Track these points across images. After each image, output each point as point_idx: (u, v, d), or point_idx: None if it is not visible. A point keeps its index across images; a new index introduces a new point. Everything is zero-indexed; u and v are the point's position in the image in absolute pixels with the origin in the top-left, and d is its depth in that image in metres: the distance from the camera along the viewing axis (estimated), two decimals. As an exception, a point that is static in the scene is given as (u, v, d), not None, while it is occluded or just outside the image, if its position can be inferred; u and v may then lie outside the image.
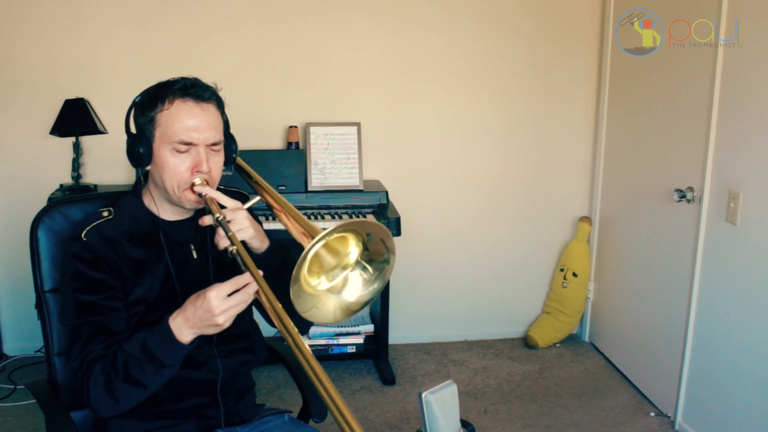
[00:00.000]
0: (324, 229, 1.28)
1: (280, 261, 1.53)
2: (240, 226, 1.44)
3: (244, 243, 1.45)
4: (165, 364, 1.37)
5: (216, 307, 1.31)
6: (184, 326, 1.35)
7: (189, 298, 1.36)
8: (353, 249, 1.39)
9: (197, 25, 3.10)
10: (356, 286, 1.41)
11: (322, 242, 1.30)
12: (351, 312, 1.41)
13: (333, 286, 1.39)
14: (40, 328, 1.68)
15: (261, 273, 1.32)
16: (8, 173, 3.11)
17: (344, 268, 1.40)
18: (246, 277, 1.32)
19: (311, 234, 1.33)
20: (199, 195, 1.47)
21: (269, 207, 1.53)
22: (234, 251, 1.36)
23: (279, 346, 1.84)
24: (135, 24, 3.06)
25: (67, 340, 1.48)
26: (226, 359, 1.62)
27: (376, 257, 1.39)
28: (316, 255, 1.35)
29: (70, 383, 1.68)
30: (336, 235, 1.33)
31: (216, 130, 1.49)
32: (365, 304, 1.41)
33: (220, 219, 1.41)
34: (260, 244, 1.49)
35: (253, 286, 1.32)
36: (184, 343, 1.36)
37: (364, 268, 1.40)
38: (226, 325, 1.34)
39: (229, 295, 1.32)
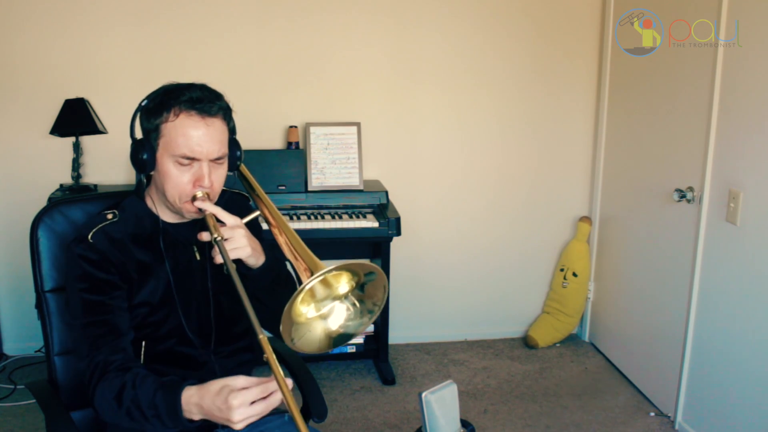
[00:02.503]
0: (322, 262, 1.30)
1: (275, 276, 1.53)
2: (236, 245, 1.44)
3: (240, 260, 1.46)
4: (167, 425, 1.34)
5: (236, 414, 1.24)
6: (196, 410, 1.30)
7: (212, 385, 1.29)
8: (344, 284, 1.41)
9: (197, 25, 3.10)
10: (340, 317, 1.42)
11: (320, 278, 1.31)
12: (332, 341, 1.42)
13: (321, 314, 1.41)
14: (40, 328, 1.68)
15: (290, 384, 1.25)
16: (8, 173, 3.11)
17: (334, 298, 1.42)
18: (273, 385, 1.26)
19: (308, 264, 1.33)
20: (200, 209, 1.47)
21: (267, 222, 1.53)
22: (227, 269, 1.37)
23: (279, 346, 1.83)
24: (135, 24, 3.06)
25: (75, 339, 1.47)
26: (226, 359, 1.62)
27: (367, 300, 1.41)
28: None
29: (75, 382, 1.68)
30: (335, 273, 1.34)
31: (220, 144, 1.48)
32: (344, 336, 1.42)
33: (217, 239, 1.40)
34: (256, 261, 1.49)
35: (277, 398, 1.26)
36: (191, 419, 1.32)
37: (353, 304, 1.42)
38: (241, 428, 1.28)
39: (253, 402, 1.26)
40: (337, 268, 1.28)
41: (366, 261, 1.34)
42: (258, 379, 1.28)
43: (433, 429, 1.31)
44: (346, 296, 1.42)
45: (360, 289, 1.41)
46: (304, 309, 1.38)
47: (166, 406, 1.32)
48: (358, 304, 1.42)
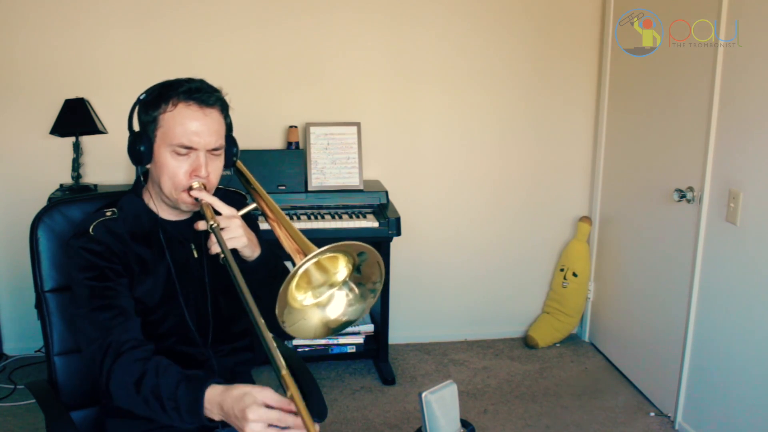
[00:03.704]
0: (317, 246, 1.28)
1: (271, 269, 1.53)
2: (233, 234, 1.44)
3: (236, 251, 1.46)
4: (185, 421, 1.34)
5: (249, 429, 1.22)
6: (217, 409, 1.30)
7: (236, 388, 1.27)
8: (342, 269, 1.40)
9: (198, 25, 3.10)
10: (340, 305, 1.42)
11: (314, 260, 1.31)
12: (330, 330, 1.41)
13: (318, 301, 1.41)
14: (40, 328, 1.68)
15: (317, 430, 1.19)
16: (8, 173, 3.11)
17: (331, 285, 1.42)
18: (292, 419, 1.22)
19: (303, 250, 1.33)
20: (196, 199, 1.48)
21: (264, 215, 1.54)
22: (223, 259, 1.37)
23: (279, 346, 1.84)
24: (135, 24, 3.06)
25: (84, 327, 1.45)
26: (226, 358, 1.62)
27: (366, 281, 1.41)
28: (305, 271, 1.36)
29: (75, 380, 1.68)
30: (328, 255, 1.34)
31: (217, 135, 1.49)
32: (345, 324, 1.42)
33: (213, 227, 1.41)
34: (251, 252, 1.49)
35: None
36: (210, 417, 1.31)
37: (351, 289, 1.42)
38: None
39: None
40: (328, 249, 1.28)
41: (356, 242, 1.33)
42: (283, 400, 1.24)
43: (433, 429, 1.31)
44: (344, 282, 1.42)
45: (357, 271, 1.41)
46: (300, 296, 1.38)
47: (188, 401, 1.31)
48: (357, 289, 1.42)
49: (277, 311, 1.29)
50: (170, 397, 1.32)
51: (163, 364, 1.38)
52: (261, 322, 1.25)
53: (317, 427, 1.18)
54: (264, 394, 1.25)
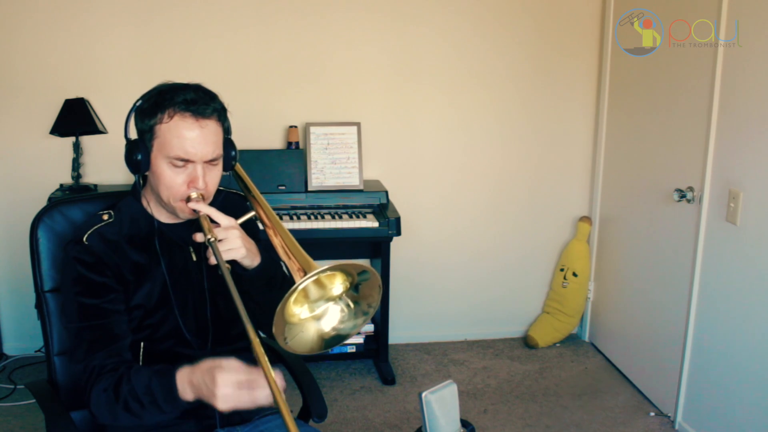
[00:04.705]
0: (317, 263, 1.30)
1: (271, 277, 1.53)
2: (231, 246, 1.43)
3: (235, 261, 1.46)
4: (164, 411, 1.36)
5: (220, 392, 1.26)
6: (189, 387, 1.33)
7: (203, 363, 1.32)
8: (338, 285, 1.40)
9: (197, 25, 3.10)
10: (334, 318, 1.42)
11: (313, 278, 1.31)
12: (324, 343, 1.42)
13: (314, 315, 1.41)
14: (40, 328, 1.68)
15: (282, 385, 1.25)
16: (8, 173, 3.11)
17: (328, 300, 1.42)
18: (260, 379, 1.27)
19: (304, 268, 1.33)
20: (194, 210, 1.47)
21: (262, 223, 1.53)
22: (221, 272, 1.37)
23: (279, 346, 1.83)
24: (135, 24, 3.06)
25: (71, 342, 1.48)
26: (225, 359, 1.62)
27: (361, 301, 1.41)
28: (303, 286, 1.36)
29: (72, 383, 1.68)
30: (328, 273, 1.34)
31: (215, 145, 1.47)
32: (337, 337, 1.42)
33: (211, 240, 1.40)
34: (251, 262, 1.48)
35: (263, 397, 1.27)
36: (186, 399, 1.34)
37: (347, 305, 1.42)
38: (226, 410, 1.29)
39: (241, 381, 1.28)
40: (330, 269, 1.28)
41: (359, 261, 1.34)
42: (250, 367, 1.30)
43: (433, 429, 1.31)
44: (340, 297, 1.41)
45: (354, 290, 1.40)
46: (297, 310, 1.38)
47: (162, 390, 1.34)
48: (352, 306, 1.42)
49: (274, 329, 1.29)
50: (145, 392, 1.35)
51: (134, 368, 1.41)
52: (256, 341, 1.26)
53: (281, 382, 1.24)
54: (230, 362, 1.30)
